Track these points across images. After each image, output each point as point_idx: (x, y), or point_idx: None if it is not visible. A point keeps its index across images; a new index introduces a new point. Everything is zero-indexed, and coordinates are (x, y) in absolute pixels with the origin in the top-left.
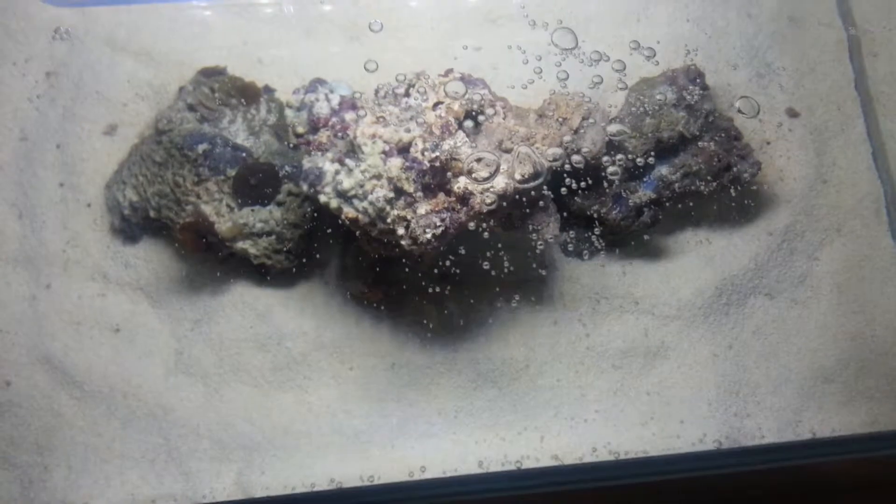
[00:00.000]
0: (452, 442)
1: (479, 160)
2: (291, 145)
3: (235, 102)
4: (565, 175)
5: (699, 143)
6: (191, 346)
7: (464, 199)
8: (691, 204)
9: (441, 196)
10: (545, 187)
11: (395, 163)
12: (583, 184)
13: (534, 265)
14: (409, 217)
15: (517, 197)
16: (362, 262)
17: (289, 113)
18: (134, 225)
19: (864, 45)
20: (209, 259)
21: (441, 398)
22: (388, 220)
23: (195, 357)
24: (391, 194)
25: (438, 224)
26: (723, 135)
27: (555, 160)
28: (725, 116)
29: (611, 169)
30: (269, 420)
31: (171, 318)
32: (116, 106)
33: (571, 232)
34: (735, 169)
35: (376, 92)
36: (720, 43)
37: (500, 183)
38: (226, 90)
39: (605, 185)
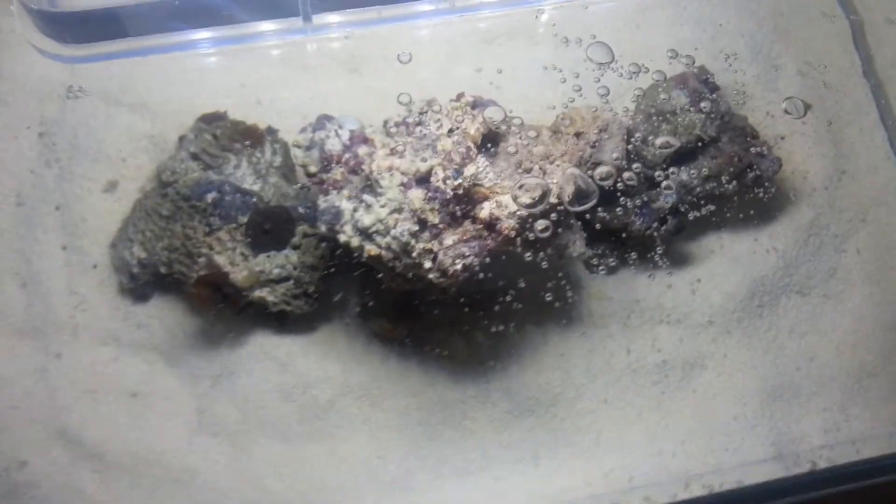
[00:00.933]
0: (494, 479)
1: (521, 187)
2: (305, 186)
3: (239, 147)
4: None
5: (718, 145)
6: (212, 404)
7: (491, 225)
8: (714, 207)
9: (467, 224)
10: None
11: (417, 194)
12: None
13: (561, 285)
14: (435, 249)
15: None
16: (384, 298)
17: (298, 152)
18: (143, 283)
19: (867, 32)
20: (225, 311)
21: (478, 433)
22: (414, 254)
23: (218, 415)
24: (415, 227)
25: (468, 253)
26: (740, 134)
27: (604, 179)
28: (739, 115)
29: (626, 174)
30: (301, 475)
31: (190, 376)
32: (115, 161)
33: (596, 247)
34: (755, 168)
35: (385, 123)
36: (723, 42)
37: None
38: (228, 135)
39: (628, 196)
